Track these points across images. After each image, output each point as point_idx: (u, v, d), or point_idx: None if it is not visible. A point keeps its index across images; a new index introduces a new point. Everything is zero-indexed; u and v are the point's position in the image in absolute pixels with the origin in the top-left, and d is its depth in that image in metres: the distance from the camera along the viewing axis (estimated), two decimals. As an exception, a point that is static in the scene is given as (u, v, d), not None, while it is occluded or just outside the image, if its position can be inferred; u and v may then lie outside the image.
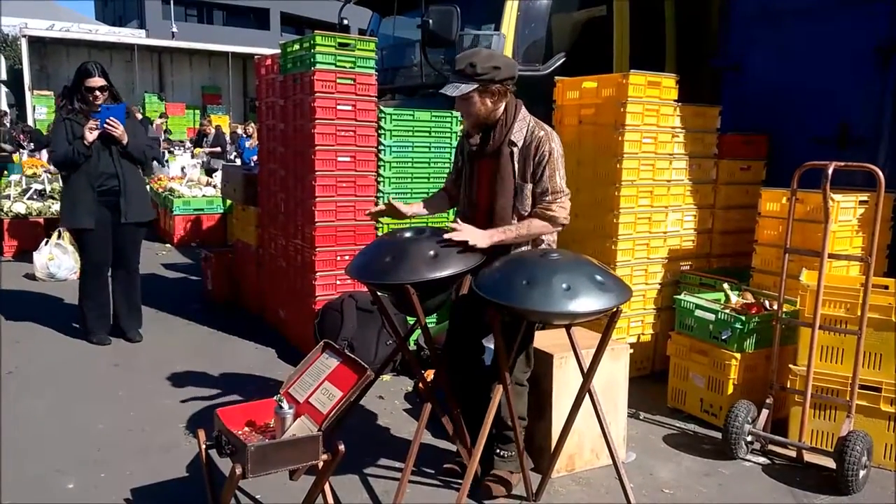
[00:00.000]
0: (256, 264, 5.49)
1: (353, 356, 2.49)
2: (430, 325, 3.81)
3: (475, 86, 2.67)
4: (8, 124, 13.71)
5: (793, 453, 3.27)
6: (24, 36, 16.42)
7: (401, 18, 6.18)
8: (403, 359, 4.00)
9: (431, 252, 2.59)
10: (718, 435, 3.38)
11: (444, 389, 2.84)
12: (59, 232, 6.53)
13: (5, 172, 9.27)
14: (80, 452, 3.17)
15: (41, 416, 3.56)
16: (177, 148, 14.00)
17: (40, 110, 15.95)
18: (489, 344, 3.00)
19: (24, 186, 8.35)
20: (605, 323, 2.56)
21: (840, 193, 3.67)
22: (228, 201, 7.97)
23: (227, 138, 14.09)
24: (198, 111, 19.08)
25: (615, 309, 2.46)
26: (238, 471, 2.13)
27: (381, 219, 4.44)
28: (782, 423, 3.39)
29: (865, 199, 3.73)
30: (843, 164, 3.26)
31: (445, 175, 3.55)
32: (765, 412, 3.35)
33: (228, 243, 7.39)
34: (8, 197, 7.83)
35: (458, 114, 3.29)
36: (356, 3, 6.41)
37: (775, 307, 3.48)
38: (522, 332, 2.73)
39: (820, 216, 3.33)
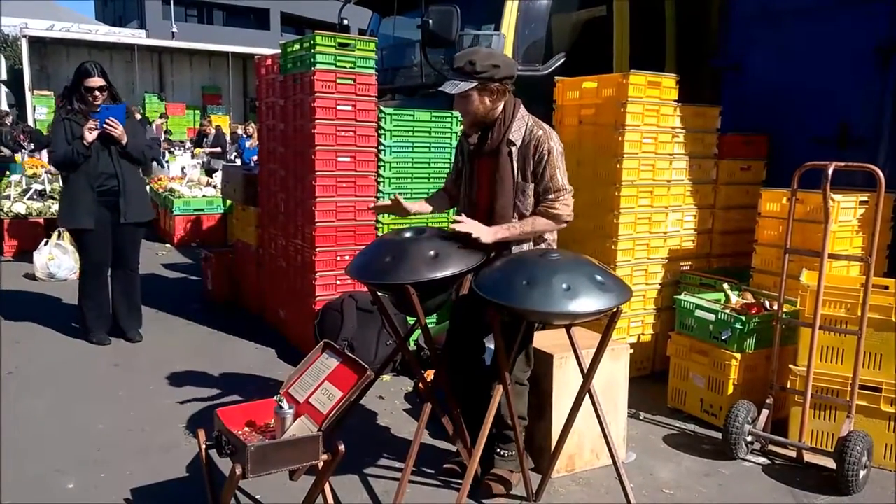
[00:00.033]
0: (256, 264, 5.49)
1: (353, 356, 2.48)
2: (430, 325, 3.81)
3: (474, 84, 2.67)
4: (9, 124, 13.69)
5: (793, 453, 3.27)
6: (25, 36, 16.40)
7: (401, 18, 6.18)
8: (403, 359, 4.00)
9: (432, 252, 2.59)
10: (718, 435, 3.38)
11: (444, 389, 2.84)
12: (59, 232, 6.52)
13: (7, 172, 9.27)
14: (80, 452, 3.17)
15: (41, 416, 3.56)
16: (177, 148, 13.98)
17: (40, 110, 15.94)
18: (489, 344, 3.00)
19: (25, 186, 8.35)
20: (605, 323, 2.56)
21: (840, 193, 3.67)
22: (228, 201, 7.97)
23: (228, 138, 14.07)
24: (198, 111, 19.05)
25: (615, 309, 2.46)
26: (238, 471, 2.13)
27: (381, 218, 4.46)
28: (782, 424, 3.39)
29: (865, 199, 3.73)
30: (843, 164, 3.25)
31: (445, 175, 3.55)
32: (765, 412, 3.35)
33: (228, 243, 7.39)
34: (8, 197, 7.83)
35: (457, 114, 3.28)
36: (356, 3, 6.41)
37: (775, 307, 3.48)
38: (522, 332, 2.73)
39: (820, 216, 3.33)
